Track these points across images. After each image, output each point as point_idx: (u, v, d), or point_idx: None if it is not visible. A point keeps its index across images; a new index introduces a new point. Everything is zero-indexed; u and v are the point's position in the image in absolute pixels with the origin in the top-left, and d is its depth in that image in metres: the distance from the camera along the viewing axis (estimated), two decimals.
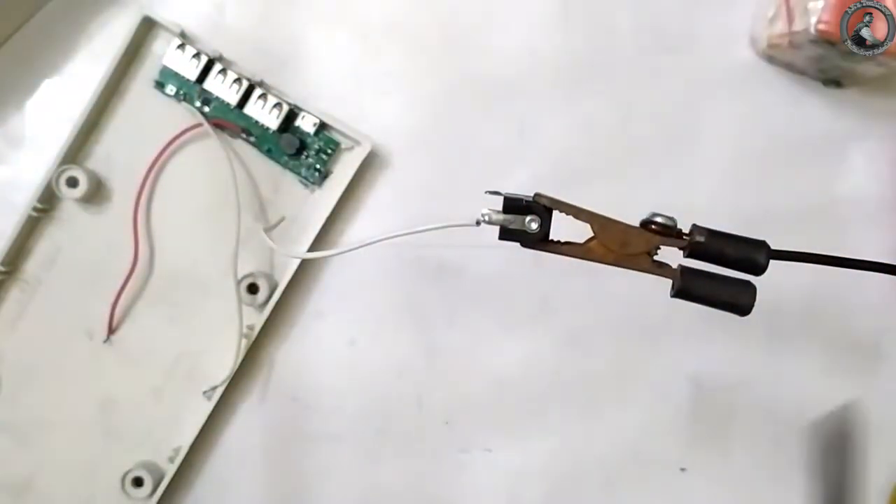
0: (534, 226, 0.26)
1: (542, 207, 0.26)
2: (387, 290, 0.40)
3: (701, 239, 0.26)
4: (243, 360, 0.38)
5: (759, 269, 0.27)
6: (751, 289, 0.26)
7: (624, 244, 0.26)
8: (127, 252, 0.38)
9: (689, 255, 0.27)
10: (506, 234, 0.27)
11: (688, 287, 0.26)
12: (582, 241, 0.27)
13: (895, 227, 0.40)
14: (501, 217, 0.27)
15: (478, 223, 0.27)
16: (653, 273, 0.26)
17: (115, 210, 0.38)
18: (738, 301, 0.26)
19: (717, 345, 0.40)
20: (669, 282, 0.27)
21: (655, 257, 0.26)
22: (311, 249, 0.38)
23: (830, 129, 0.40)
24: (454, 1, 0.40)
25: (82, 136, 0.37)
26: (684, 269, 0.27)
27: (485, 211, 0.27)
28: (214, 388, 0.38)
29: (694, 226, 0.27)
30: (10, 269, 0.38)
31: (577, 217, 0.26)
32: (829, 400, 0.39)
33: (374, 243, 0.28)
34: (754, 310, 0.40)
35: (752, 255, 0.26)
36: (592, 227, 0.26)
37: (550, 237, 0.27)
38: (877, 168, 0.40)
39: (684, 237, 0.27)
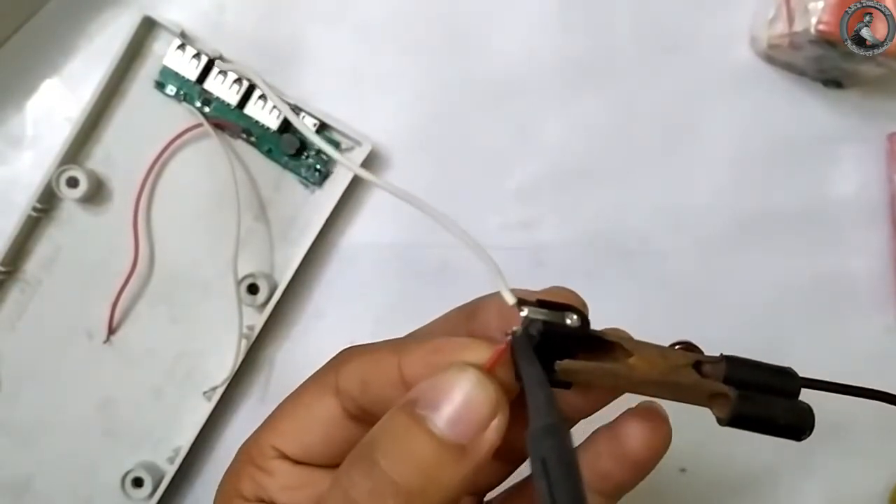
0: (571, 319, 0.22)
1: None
2: (387, 290, 0.40)
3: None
4: (243, 361, 0.38)
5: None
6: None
7: (664, 357, 0.23)
8: (127, 252, 0.38)
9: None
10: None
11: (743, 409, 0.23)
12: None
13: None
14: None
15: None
16: (703, 389, 0.23)
17: (115, 210, 0.38)
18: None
19: (717, 343, 0.40)
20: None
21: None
22: (310, 250, 0.38)
23: (830, 130, 0.40)
24: (454, 1, 0.40)
25: (82, 136, 0.37)
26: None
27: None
28: (214, 389, 0.38)
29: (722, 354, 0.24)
30: (10, 269, 0.38)
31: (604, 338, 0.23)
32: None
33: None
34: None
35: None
36: (625, 347, 0.23)
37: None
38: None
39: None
